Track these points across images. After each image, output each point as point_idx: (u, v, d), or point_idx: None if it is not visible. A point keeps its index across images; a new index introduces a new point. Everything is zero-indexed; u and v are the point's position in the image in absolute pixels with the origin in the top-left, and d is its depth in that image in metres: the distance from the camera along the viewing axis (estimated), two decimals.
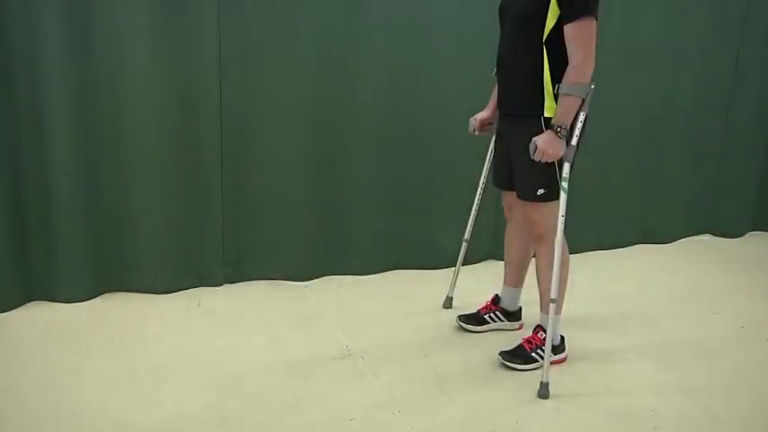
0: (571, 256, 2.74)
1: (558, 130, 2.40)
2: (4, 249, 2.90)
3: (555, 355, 2.66)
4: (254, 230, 3.32)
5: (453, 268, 3.21)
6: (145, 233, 3.12)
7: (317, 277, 3.47)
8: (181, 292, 3.24)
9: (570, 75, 2.39)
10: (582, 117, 2.45)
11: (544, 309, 2.70)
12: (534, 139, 2.43)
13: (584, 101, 2.42)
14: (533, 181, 2.56)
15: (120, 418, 2.24)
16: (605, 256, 4.04)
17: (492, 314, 2.99)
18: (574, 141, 2.46)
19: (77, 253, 3.03)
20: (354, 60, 3.25)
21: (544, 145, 2.40)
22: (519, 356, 2.67)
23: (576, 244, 3.93)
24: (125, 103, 2.97)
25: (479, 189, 3.03)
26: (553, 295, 2.55)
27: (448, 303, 3.20)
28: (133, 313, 3.02)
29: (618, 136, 3.96)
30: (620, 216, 4.12)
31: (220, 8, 3.00)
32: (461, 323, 2.96)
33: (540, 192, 2.56)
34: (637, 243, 4.23)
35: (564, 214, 2.50)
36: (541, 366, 2.58)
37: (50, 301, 3.06)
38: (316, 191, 3.36)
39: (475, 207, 3.06)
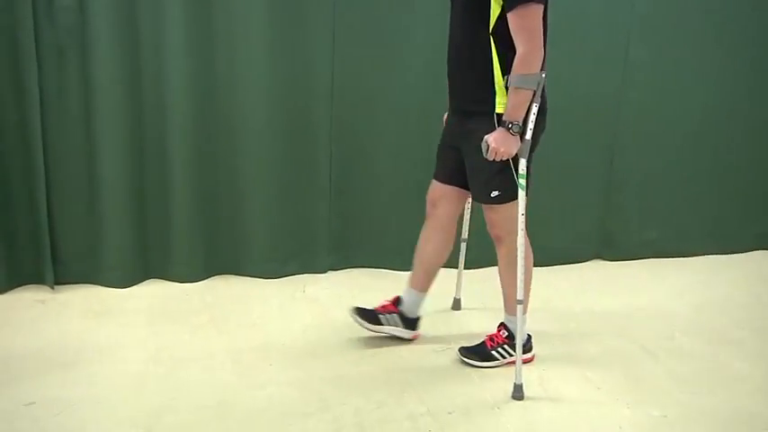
0: (683, 259, 2.62)
1: (510, 126, 2.24)
2: (127, 231, 3.08)
3: (523, 354, 2.50)
4: (360, 220, 3.36)
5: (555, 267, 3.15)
6: (254, 220, 3.23)
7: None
8: (286, 278, 3.32)
9: (517, 66, 2.21)
10: (535, 109, 2.28)
11: (509, 310, 2.56)
12: (486, 137, 2.27)
13: (535, 92, 2.25)
14: (486, 183, 2.40)
15: (225, 397, 2.32)
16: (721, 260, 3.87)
17: (388, 316, 2.72)
18: (528, 136, 2.29)
19: (192, 236, 3.17)
20: None
21: (495, 143, 2.25)
22: (478, 353, 2.59)
23: (690, 247, 3.79)
24: (239, 97, 3.08)
25: None
26: (519, 296, 2.39)
27: (456, 305, 3.10)
28: (240, 296, 3.12)
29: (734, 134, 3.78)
30: (737, 219, 3.92)
31: (335, 9, 3.06)
32: (356, 315, 2.69)
33: (495, 194, 2.40)
34: (754, 249, 4.02)
35: (524, 212, 2.33)
36: (500, 365, 2.55)
37: (166, 279, 3.22)
38: (423, 185, 3.36)
39: (469, 203, 2.91)
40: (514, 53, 2.22)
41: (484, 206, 2.46)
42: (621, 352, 2.74)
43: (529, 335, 2.63)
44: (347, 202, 3.33)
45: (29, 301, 2.97)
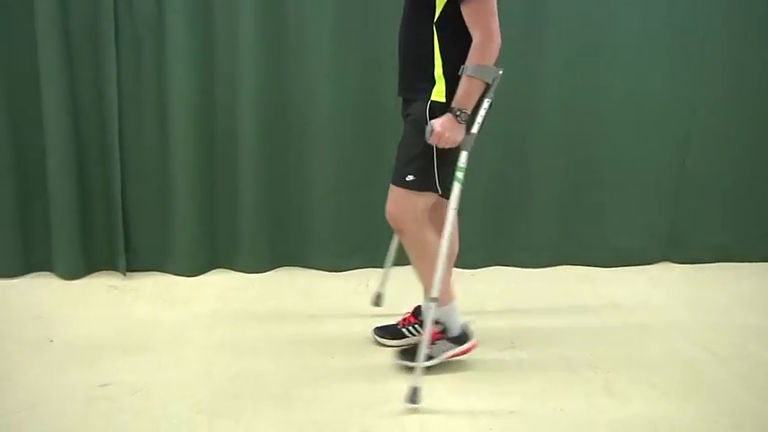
0: (755, 264, 2.53)
1: (459, 113, 2.16)
2: (196, 221, 3.17)
3: (459, 346, 2.47)
4: None
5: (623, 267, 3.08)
6: (320, 213, 3.27)
7: (485, 266, 3.46)
8: (350, 271, 3.35)
9: (472, 56, 2.15)
10: (486, 104, 2.23)
11: (440, 303, 2.38)
12: (432, 121, 2.20)
13: (489, 86, 2.19)
14: (405, 165, 2.31)
15: (288, 388, 2.36)
16: None
17: (411, 327, 2.68)
18: (475, 129, 2.23)
19: (258, 228, 3.22)
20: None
21: (441, 128, 2.17)
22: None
23: (763, 252, 3.68)
24: (308, 92, 3.12)
25: None
26: (434, 294, 2.30)
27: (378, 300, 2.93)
28: (304, 288, 3.17)
29: None
30: None
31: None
32: (376, 336, 2.68)
33: (410, 178, 2.29)
34: None
35: (456, 207, 2.27)
36: (442, 362, 2.47)
37: (232, 269, 3.29)
38: (494, 182, 3.37)
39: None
40: (457, 45, 2.19)
41: (392, 188, 2.36)
42: (689, 357, 2.67)
43: (465, 324, 2.51)
44: None
45: (102, 286, 3.08)
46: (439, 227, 2.40)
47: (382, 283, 2.93)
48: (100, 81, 2.98)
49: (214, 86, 3.06)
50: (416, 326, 2.67)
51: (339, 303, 3.02)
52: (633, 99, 3.36)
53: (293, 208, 3.26)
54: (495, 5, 2.15)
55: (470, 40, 2.16)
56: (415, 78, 2.31)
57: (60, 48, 2.88)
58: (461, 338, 2.49)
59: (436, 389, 2.36)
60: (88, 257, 3.15)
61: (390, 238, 3.32)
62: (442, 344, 2.47)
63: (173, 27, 2.93)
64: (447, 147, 2.21)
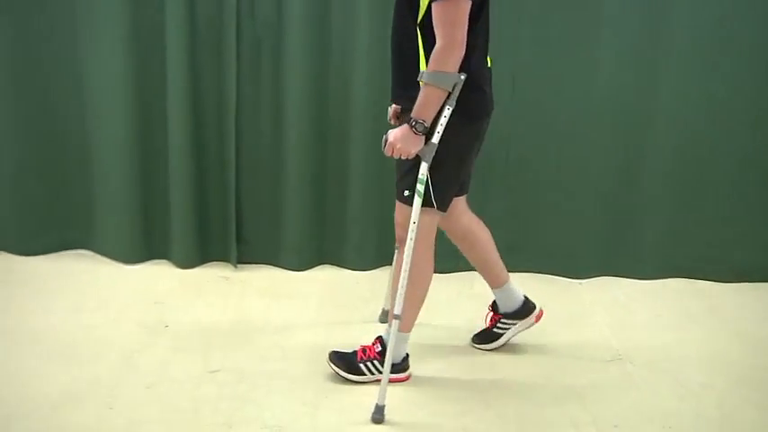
0: None
1: (414, 124, 2.05)
2: (306, 217, 3.23)
3: (395, 373, 2.34)
4: (533, 222, 3.31)
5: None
6: None
7: (594, 276, 3.36)
8: (454, 273, 3.33)
9: (431, 61, 2.02)
10: (447, 112, 2.08)
11: (390, 321, 2.29)
12: (388, 131, 2.12)
13: (450, 94, 2.06)
14: (400, 179, 2.26)
15: (390, 386, 2.38)
16: None
17: (499, 324, 2.64)
18: (435, 140, 2.10)
19: (366, 225, 3.26)
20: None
21: (393, 138, 2.09)
22: (345, 363, 2.40)
23: None
24: None
25: None
26: (397, 311, 2.20)
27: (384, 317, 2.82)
28: None
29: None
30: None
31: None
32: (475, 345, 2.67)
33: (406, 193, 2.22)
34: None
35: (416, 221, 2.15)
36: (366, 381, 2.37)
37: (338, 266, 3.34)
38: (615, 188, 3.27)
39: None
40: None
41: (396, 203, 2.32)
42: None
43: (407, 354, 2.44)
44: (521, 203, 3.28)
45: (214, 276, 3.20)
46: (465, 233, 2.51)
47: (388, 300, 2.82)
48: (220, 79, 3.09)
49: (328, 86, 3.11)
50: (503, 320, 2.63)
51: (442, 305, 3.02)
52: (759, 107, 3.18)
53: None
54: (466, 14, 2.00)
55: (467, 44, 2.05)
56: (403, 84, 2.24)
57: (186, 47, 3.01)
58: (398, 367, 2.38)
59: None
60: (202, 248, 3.28)
61: (499, 243, 3.30)
62: (376, 364, 2.38)
63: (291, 27, 3.00)
64: (402, 158, 2.13)
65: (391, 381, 2.28)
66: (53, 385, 2.27)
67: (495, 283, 2.62)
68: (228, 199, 3.21)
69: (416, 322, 2.60)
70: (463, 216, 2.54)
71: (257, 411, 2.19)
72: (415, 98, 2.08)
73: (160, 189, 3.21)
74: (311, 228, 3.26)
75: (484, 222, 2.62)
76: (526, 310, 2.62)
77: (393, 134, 2.11)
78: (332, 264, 3.35)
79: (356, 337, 2.67)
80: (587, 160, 3.21)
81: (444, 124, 2.10)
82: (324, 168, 3.22)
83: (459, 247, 2.61)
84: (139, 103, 3.11)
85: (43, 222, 3.30)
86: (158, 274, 3.20)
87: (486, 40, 2.24)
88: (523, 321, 2.62)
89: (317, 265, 3.34)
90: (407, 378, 2.43)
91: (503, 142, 3.18)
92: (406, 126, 2.08)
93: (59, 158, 3.22)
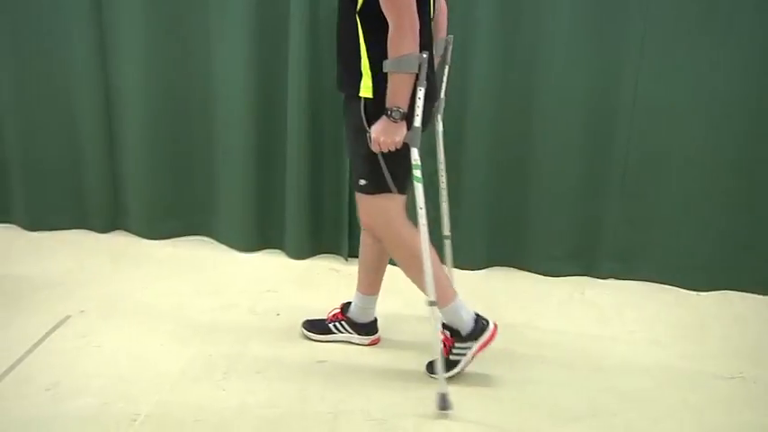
0: None
1: (390, 113, 2.03)
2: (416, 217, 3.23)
3: (476, 341, 2.32)
4: (650, 230, 3.19)
5: None
6: (540, 215, 3.22)
7: (713, 290, 3.20)
8: (565, 277, 3.27)
9: (389, 49, 2.00)
10: (420, 93, 2.07)
11: (440, 304, 2.30)
12: (371, 129, 2.10)
13: (419, 74, 2.03)
14: (355, 170, 2.26)
15: (497, 389, 2.37)
16: None
17: (338, 323, 2.58)
18: (417, 123, 2.09)
19: (477, 226, 3.24)
20: None
21: (376, 134, 2.08)
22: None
23: None
24: (538, 93, 3.08)
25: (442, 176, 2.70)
26: (431, 298, 2.19)
27: None
28: (518, 290, 3.14)
29: None
30: None
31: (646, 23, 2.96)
32: (303, 330, 2.62)
33: (362, 182, 2.22)
34: None
35: (422, 206, 2.14)
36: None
37: (446, 264, 3.33)
38: (743, 198, 3.11)
39: (443, 195, 2.72)
40: (382, 37, 2.03)
41: (356, 195, 2.31)
42: None
43: (375, 318, 2.55)
44: (638, 209, 3.18)
45: (325, 268, 3.26)
46: None
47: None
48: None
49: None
50: (343, 323, 2.59)
51: (552, 309, 2.97)
52: None
53: (513, 207, 3.24)
54: None
55: None
56: (344, 73, 2.23)
57: (307, 37, 3.07)
58: (476, 332, 2.34)
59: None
60: (315, 241, 3.36)
61: (614, 246, 3.23)
62: (460, 347, 2.35)
63: None
64: (392, 149, 2.11)
65: (482, 347, 2.31)
66: (172, 364, 2.39)
67: (364, 289, 2.57)
68: (342, 194, 3.27)
69: (523, 328, 2.57)
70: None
71: (363, 403, 2.23)
72: (356, 86, 2.13)
73: (277, 182, 3.31)
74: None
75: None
76: (370, 329, 2.60)
77: (374, 130, 2.11)
78: (441, 262, 3.34)
79: None
80: (713, 169, 3.07)
81: (422, 105, 2.11)
82: (433, 165, 3.20)
83: (361, 236, 2.54)
84: (261, 97, 3.21)
85: (169, 209, 3.47)
86: (272, 264, 3.30)
87: (429, 27, 2.23)
88: (359, 337, 2.59)
89: None
90: (494, 333, 2.34)
91: (621, 147, 3.10)
92: (384, 118, 2.08)
93: (186, 149, 3.37)
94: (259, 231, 3.40)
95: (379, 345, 2.59)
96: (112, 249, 3.35)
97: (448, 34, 2.53)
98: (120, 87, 3.31)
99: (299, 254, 3.35)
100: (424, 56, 2.05)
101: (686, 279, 3.20)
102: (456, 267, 3.28)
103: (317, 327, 2.62)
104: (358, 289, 2.57)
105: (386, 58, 2.04)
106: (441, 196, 2.74)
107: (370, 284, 2.56)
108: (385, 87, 2.06)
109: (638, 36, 2.97)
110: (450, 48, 2.54)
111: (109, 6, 3.20)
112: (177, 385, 2.28)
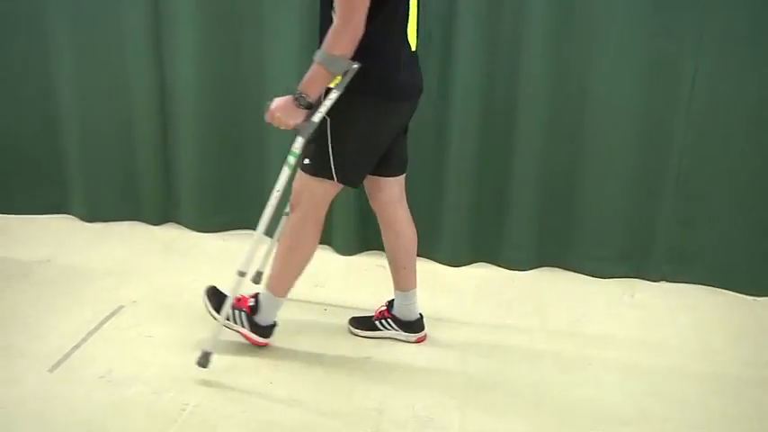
0: None
1: (297, 96, 2.06)
2: (465, 213, 3.24)
3: (254, 333, 2.42)
4: (704, 231, 3.12)
5: None
6: (590, 215, 3.18)
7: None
8: (615, 279, 3.22)
9: (326, 42, 2.02)
10: (333, 96, 2.09)
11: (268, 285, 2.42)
12: (276, 99, 2.12)
13: (343, 78, 2.06)
14: (306, 148, 2.23)
15: (542, 387, 2.35)
16: None
17: (384, 321, 2.59)
18: (316, 118, 2.11)
19: (526, 225, 3.22)
20: None
21: (275, 106, 2.11)
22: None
23: None
24: (592, 97, 3.04)
25: None
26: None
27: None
28: (566, 290, 3.10)
29: None
30: None
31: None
32: (350, 326, 2.64)
33: (306, 161, 2.26)
34: None
35: (280, 189, 2.20)
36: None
37: (495, 264, 3.32)
38: None
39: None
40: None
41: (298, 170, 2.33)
42: None
43: (275, 322, 2.47)
44: (693, 210, 3.11)
45: (373, 265, 3.27)
46: (390, 222, 2.51)
47: (265, 260, 2.82)
48: None
49: (496, 81, 3.09)
50: (390, 320, 2.60)
51: (601, 310, 2.93)
52: None
53: (562, 207, 3.20)
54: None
55: (371, 26, 2.04)
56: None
57: None
58: (263, 330, 2.45)
59: None
60: (362, 237, 3.37)
61: (666, 248, 3.16)
62: (245, 317, 2.43)
63: (461, 20, 3.00)
64: (280, 127, 2.14)
65: (250, 340, 2.43)
66: (221, 356, 2.42)
67: (399, 286, 2.57)
68: None
69: (570, 330, 2.54)
70: (392, 204, 2.52)
71: (408, 400, 2.23)
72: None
73: None
74: (469, 225, 3.26)
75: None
76: (416, 327, 2.59)
77: (276, 102, 2.13)
78: (488, 262, 3.33)
79: (510, 339, 2.65)
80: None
81: (328, 107, 2.12)
82: (486, 167, 3.20)
83: (382, 235, 2.57)
84: None
85: (219, 202, 3.52)
86: (319, 259, 3.29)
87: (405, 24, 2.22)
88: (405, 335, 2.59)
89: (473, 262, 3.33)
90: (265, 344, 2.46)
91: (676, 147, 3.04)
92: (289, 96, 2.10)
93: (237, 144, 3.42)
94: None
95: (426, 342, 2.59)
96: (164, 241, 3.41)
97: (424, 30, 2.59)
98: (175, 83, 3.37)
99: (347, 250, 3.37)
100: (354, 66, 2.06)
101: (742, 283, 3.12)
102: (504, 267, 3.28)
103: (363, 324, 2.64)
104: (395, 287, 2.58)
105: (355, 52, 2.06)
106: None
107: (402, 280, 2.57)
108: (350, 79, 2.09)
109: (697, 31, 2.90)
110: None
111: (165, 2, 3.26)
112: (225, 377, 2.31)
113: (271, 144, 3.36)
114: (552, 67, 3.03)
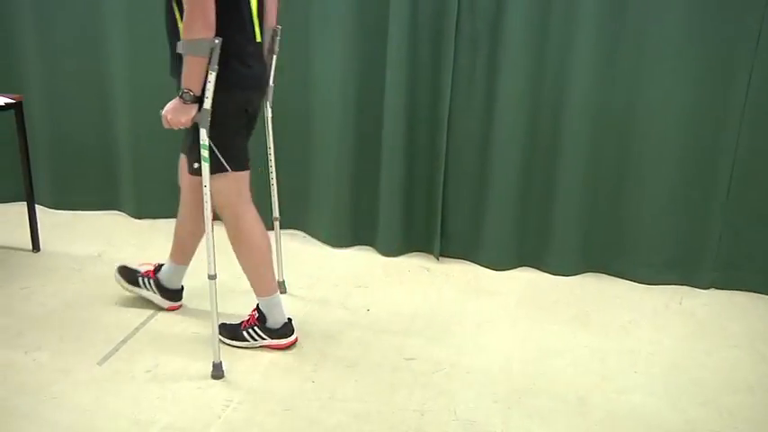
0: None
1: (182, 94, 2.13)
2: (509, 217, 3.22)
3: (274, 339, 2.48)
4: (756, 239, 3.05)
5: None
6: (637, 221, 3.13)
7: None
8: (662, 286, 3.17)
9: (183, 32, 2.08)
10: (211, 77, 2.13)
11: (257, 292, 2.47)
12: (166, 105, 2.18)
13: (211, 59, 2.10)
14: (189, 153, 2.33)
15: (584, 394, 2.31)
16: None
17: (146, 279, 2.71)
18: (207, 105, 2.16)
19: (571, 230, 3.18)
20: None
21: (165, 111, 2.17)
22: (229, 332, 2.51)
23: None
24: (640, 96, 2.99)
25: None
26: (210, 271, 2.29)
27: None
28: (612, 296, 3.06)
29: None
30: None
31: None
32: (116, 274, 2.74)
33: (195, 165, 2.28)
34: None
35: (207, 185, 2.22)
36: (252, 346, 2.49)
37: (539, 269, 3.29)
38: None
39: (272, 179, 2.85)
40: None
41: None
42: None
43: (289, 319, 2.51)
44: (742, 218, 3.04)
45: (416, 266, 3.27)
46: (194, 202, 2.53)
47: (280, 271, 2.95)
48: (436, 74, 3.15)
49: (543, 85, 3.07)
50: (151, 280, 2.71)
51: (647, 317, 2.88)
52: None
53: (609, 212, 3.16)
54: None
55: (219, 22, 2.09)
56: (174, 61, 2.27)
57: (407, 40, 3.10)
58: (278, 333, 2.49)
59: None
60: (407, 239, 3.38)
61: (716, 255, 3.10)
62: (258, 333, 2.48)
63: (509, 23, 2.99)
64: (176, 128, 2.19)
65: (273, 347, 2.48)
66: (264, 354, 2.45)
67: (173, 258, 2.67)
68: (435, 194, 3.27)
69: (616, 336, 2.49)
70: (198, 190, 2.50)
71: (450, 403, 2.22)
72: (176, 74, 2.21)
73: (371, 180, 3.35)
74: (514, 228, 3.24)
75: None
76: (173, 296, 2.72)
77: (166, 108, 2.18)
78: (532, 266, 3.31)
79: (555, 343, 2.63)
80: None
81: (212, 89, 2.16)
82: (531, 171, 3.18)
83: (179, 209, 2.62)
84: (358, 98, 3.25)
85: (265, 203, 3.54)
86: (363, 260, 3.33)
87: (250, 16, 2.26)
88: (161, 299, 2.71)
89: (517, 266, 3.31)
90: (291, 343, 2.51)
91: (728, 154, 2.98)
92: (177, 98, 2.16)
93: (283, 146, 3.43)
94: (352, 228, 3.44)
95: (463, 348, 2.58)
96: None
97: (277, 24, 2.58)
98: None
99: (391, 251, 3.38)
100: (217, 41, 2.11)
101: None
102: (550, 273, 3.25)
103: (126, 275, 2.74)
104: (170, 256, 2.67)
105: None
106: (270, 180, 2.85)
107: (179, 255, 2.66)
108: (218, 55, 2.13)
109: (752, 35, 2.84)
110: (278, 38, 2.57)
111: None
112: (269, 374, 2.34)
113: (315, 146, 3.38)
114: (601, 74, 2.99)
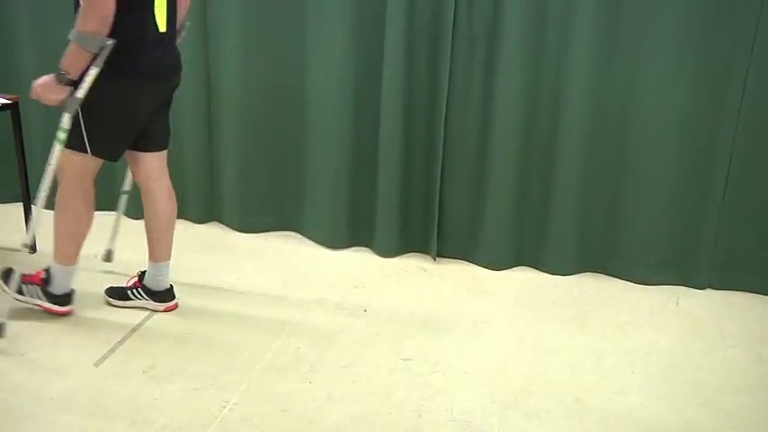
0: None
1: (58, 74, 2.18)
2: (506, 217, 3.21)
3: (52, 303, 2.57)
4: (753, 240, 3.06)
5: None
6: (635, 221, 3.13)
7: None
8: (659, 286, 3.17)
9: (77, 21, 2.12)
10: (93, 72, 2.19)
11: (55, 257, 2.53)
12: (40, 78, 2.22)
13: (97, 55, 2.16)
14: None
15: (582, 395, 2.31)
16: None
17: (136, 291, 2.72)
18: (79, 94, 2.22)
19: (567, 230, 3.18)
20: None
21: (37, 83, 2.21)
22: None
23: None
24: (636, 96, 2.99)
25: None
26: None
27: (108, 257, 3.00)
28: (609, 296, 3.06)
29: None
30: None
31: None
32: (106, 296, 2.75)
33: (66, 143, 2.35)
34: None
35: (52, 164, 2.33)
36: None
37: (536, 269, 3.29)
38: None
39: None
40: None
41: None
42: None
43: (72, 290, 2.59)
44: (739, 220, 3.04)
45: (413, 267, 3.27)
46: (146, 192, 2.60)
47: (112, 239, 2.98)
48: (433, 74, 3.14)
49: (540, 85, 3.06)
50: (140, 290, 2.72)
51: (644, 317, 2.88)
52: None
53: (607, 213, 3.16)
54: None
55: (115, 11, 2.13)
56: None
57: (404, 40, 3.08)
58: (60, 299, 2.58)
59: None
60: (403, 239, 3.37)
61: (713, 256, 3.10)
62: (37, 289, 2.56)
63: (507, 24, 2.98)
64: (46, 104, 2.24)
65: (49, 310, 2.58)
66: (261, 354, 2.45)
67: (153, 257, 2.69)
68: (432, 194, 3.27)
69: (613, 336, 2.49)
70: (152, 180, 2.61)
71: (447, 403, 2.22)
72: None
73: (368, 181, 3.34)
74: (511, 228, 3.24)
75: None
76: (165, 296, 2.72)
77: (41, 79, 2.22)
78: (530, 266, 3.31)
79: (552, 343, 2.63)
80: None
81: (90, 82, 2.21)
82: (528, 172, 3.17)
83: (143, 206, 2.67)
84: (355, 98, 3.25)
85: (261, 204, 3.55)
86: (360, 261, 3.33)
87: (151, 5, 2.30)
88: (155, 304, 2.71)
89: (514, 267, 3.31)
90: (67, 312, 2.61)
91: (724, 155, 2.99)
92: (52, 75, 2.20)
93: (280, 147, 3.44)
94: (348, 229, 3.43)
95: (461, 348, 2.58)
96: (207, 240, 3.46)
97: (186, 21, 2.64)
98: (220, 86, 3.41)
99: (388, 252, 3.37)
100: (109, 43, 2.16)
101: None
102: (547, 273, 3.25)
103: (116, 293, 2.75)
104: (149, 257, 2.70)
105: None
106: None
107: (156, 252, 2.69)
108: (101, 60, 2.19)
109: (748, 38, 2.84)
110: (183, 33, 2.60)
111: (212, 6, 3.30)
112: (265, 376, 2.33)
113: (312, 147, 3.37)
114: (598, 75, 2.99)
